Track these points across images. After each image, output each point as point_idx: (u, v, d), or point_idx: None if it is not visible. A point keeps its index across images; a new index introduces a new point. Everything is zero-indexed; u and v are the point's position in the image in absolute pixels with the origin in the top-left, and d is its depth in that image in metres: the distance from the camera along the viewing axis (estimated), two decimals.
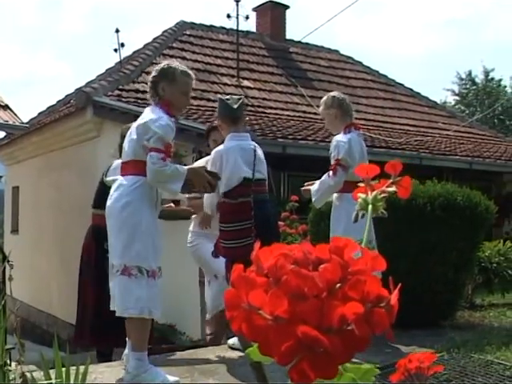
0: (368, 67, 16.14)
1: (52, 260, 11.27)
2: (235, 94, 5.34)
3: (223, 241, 4.03)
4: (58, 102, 13.11)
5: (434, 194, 5.15)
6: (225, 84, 11.95)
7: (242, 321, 0.58)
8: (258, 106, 11.62)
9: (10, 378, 2.64)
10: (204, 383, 3.54)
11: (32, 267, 11.81)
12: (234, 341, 4.28)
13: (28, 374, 2.57)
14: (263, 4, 15.00)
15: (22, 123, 11.19)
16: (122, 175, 3.55)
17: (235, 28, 12.62)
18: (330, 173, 4.34)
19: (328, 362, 0.54)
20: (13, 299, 3.48)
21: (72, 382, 2.41)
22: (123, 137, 4.51)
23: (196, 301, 7.03)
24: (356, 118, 4.91)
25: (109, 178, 4.42)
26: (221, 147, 4.10)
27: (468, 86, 33.40)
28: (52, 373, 2.46)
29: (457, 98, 33.75)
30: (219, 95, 4.58)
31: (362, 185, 0.79)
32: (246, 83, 12.44)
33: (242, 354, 4.01)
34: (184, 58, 12.04)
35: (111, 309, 3.48)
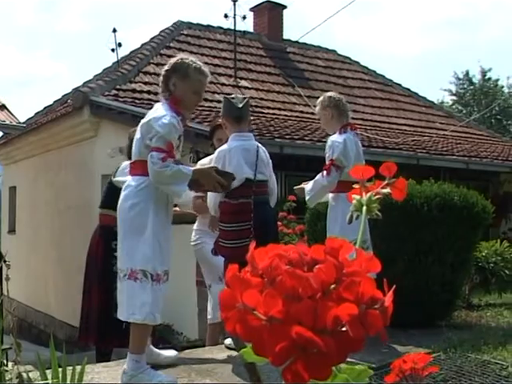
0: (365, 67, 16.15)
1: (49, 260, 11.27)
2: (230, 94, 5.34)
3: (222, 240, 4.04)
4: (55, 101, 13.10)
5: (430, 194, 5.15)
6: (222, 84, 11.95)
7: (236, 321, 0.58)
8: (256, 106, 11.61)
9: (7, 379, 2.64)
10: (201, 383, 3.53)
11: (29, 267, 11.81)
12: (230, 341, 4.28)
13: (24, 375, 2.57)
14: (260, 4, 15.00)
15: (19, 123, 11.18)
16: (131, 175, 3.49)
17: (233, 28, 12.63)
18: (324, 173, 4.35)
19: (322, 362, 0.54)
20: (10, 299, 3.47)
21: (68, 382, 2.40)
22: (131, 140, 4.58)
23: (193, 301, 7.03)
24: (353, 118, 4.92)
25: (117, 179, 4.44)
26: (224, 147, 4.10)
27: (465, 86, 33.45)
28: (48, 373, 2.46)
29: (454, 97, 33.80)
30: (223, 95, 4.53)
31: (357, 186, 0.79)
32: (243, 83, 12.44)
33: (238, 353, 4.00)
34: None
35: (117, 316, 3.42)
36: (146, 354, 3.49)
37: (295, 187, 4.76)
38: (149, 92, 10.18)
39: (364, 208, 0.77)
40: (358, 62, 16.25)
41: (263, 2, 14.94)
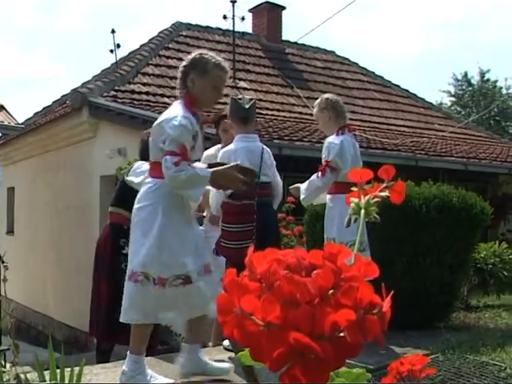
0: (364, 68, 16.16)
1: (47, 261, 11.26)
2: (228, 95, 5.33)
3: (224, 240, 4.05)
4: (54, 102, 13.09)
5: (429, 196, 5.15)
6: None
7: (234, 326, 0.58)
8: None
9: (5, 380, 2.64)
10: None
11: (27, 268, 11.80)
12: (228, 342, 4.28)
13: (22, 376, 2.57)
14: (259, 5, 15.00)
15: (18, 124, 11.19)
16: (149, 177, 3.40)
17: (231, 29, 12.63)
18: (319, 174, 4.36)
19: (320, 368, 0.54)
20: (8, 300, 3.47)
21: (67, 383, 2.40)
22: (143, 141, 4.59)
23: None
24: (352, 119, 4.93)
25: (129, 178, 4.46)
26: (229, 147, 4.11)
27: (464, 88, 33.49)
28: (47, 374, 2.46)
29: (453, 99, 33.85)
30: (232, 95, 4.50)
31: (355, 188, 0.79)
32: (242, 84, 12.44)
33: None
34: (180, 59, 11.98)
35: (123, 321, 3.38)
36: (194, 360, 3.42)
37: (290, 187, 4.78)
38: (147, 93, 10.18)
39: (362, 211, 0.77)
40: (356, 63, 16.26)
41: (262, 3, 14.94)
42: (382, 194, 0.79)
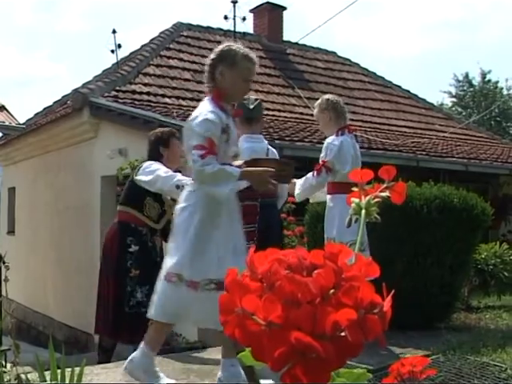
0: (365, 69, 16.16)
1: (48, 261, 11.26)
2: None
3: None
4: (55, 102, 13.09)
5: (430, 196, 5.15)
6: None
7: (235, 326, 0.58)
8: None
9: (5, 380, 2.64)
10: None
11: (28, 268, 11.80)
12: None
13: (23, 376, 2.57)
14: (260, 5, 15.00)
15: (19, 124, 11.19)
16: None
17: (232, 29, 12.63)
18: (315, 173, 4.39)
19: (321, 367, 0.54)
20: (8, 300, 3.47)
21: (67, 383, 2.40)
22: (150, 142, 4.68)
23: None
24: (353, 120, 4.94)
25: (138, 177, 4.48)
26: None
27: (465, 88, 33.46)
28: (47, 374, 2.46)
29: (454, 99, 33.82)
30: None
31: (355, 189, 0.79)
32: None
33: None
34: (181, 60, 12.05)
35: (147, 316, 3.32)
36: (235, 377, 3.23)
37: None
38: (148, 93, 10.18)
39: (363, 211, 0.77)
40: (357, 64, 16.25)
41: (263, 4, 14.94)
42: (383, 194, 0.79)
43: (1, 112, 10.70)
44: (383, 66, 57.39)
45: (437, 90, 52.08)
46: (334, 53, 16.25)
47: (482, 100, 31.85)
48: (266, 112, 11.68)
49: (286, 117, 11.75)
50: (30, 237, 12.25)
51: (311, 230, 5.85)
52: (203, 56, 12.71)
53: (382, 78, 16.18)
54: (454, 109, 32.35)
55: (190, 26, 13.71)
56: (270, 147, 4.23)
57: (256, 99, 4.21)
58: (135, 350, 3.38)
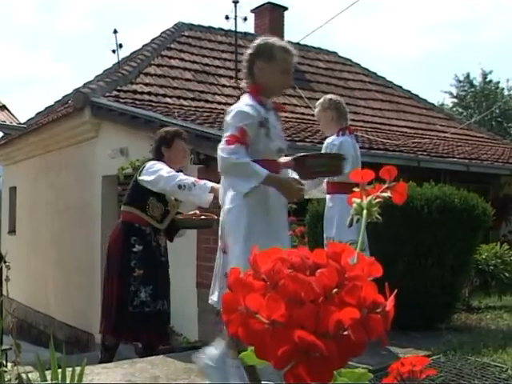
0: (366, 69, 16.15)
1: (49, 260, 11.27)
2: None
3: None
4: (56, 102, 13.09)
5: (431, 197, 5.15)
6: (223, 85, 11.95)
7: (238, 324, 0.58)
8: None
9: (6, 379, 2.64)
10: None
11: (29, 268, 11.81)
12: None
13: (24, 375, 2.57)
14: (261, 5, 15.00)
15: (20, 123, 11.18)
16: None
17: (234, 29, 12.62)
18: None
19: (324, 366, 0.54)
20: (9, 300, 3.48)
21: (68, 382, 2.40)
22: (155, 142, 4.70)
23: (193, 302, 7.03)
24: (354, 120, 4.94)
25: (142, 177, 4.49)
26: None
27: (466, 89, 33.45)
28: (48, 374, 2.46)
29: (455, 100, 33.81)
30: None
31: (356, 189, 0.79)
32: (244, 84, 12.40)
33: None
34: (182, 60, 12.05)
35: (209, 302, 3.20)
36: None
37: None
38: (149, 93, 10.19)
39: (364, 212, 0.77)
40: (358, 64, 16.25)
41: (264, 4, 14.94)
42: (384, 194, 0.79)
43: (2, 111, 10.69)
44: (384, 66, 57.42)
45: (438, 91, 52.09)
46: (335, 53, 16.25)
47: (483, 100, 31.84)
48: None
49: (287, 117, 11.74)
50: (30, 236, 12.25)
51: (312, 230, 5.86)
52: (204, 56, 12.74)
53: (383, 79, 16.18)
54: (454, 109, 32.34)
55: (191, 26, 13.71)
56: None
57: None
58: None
